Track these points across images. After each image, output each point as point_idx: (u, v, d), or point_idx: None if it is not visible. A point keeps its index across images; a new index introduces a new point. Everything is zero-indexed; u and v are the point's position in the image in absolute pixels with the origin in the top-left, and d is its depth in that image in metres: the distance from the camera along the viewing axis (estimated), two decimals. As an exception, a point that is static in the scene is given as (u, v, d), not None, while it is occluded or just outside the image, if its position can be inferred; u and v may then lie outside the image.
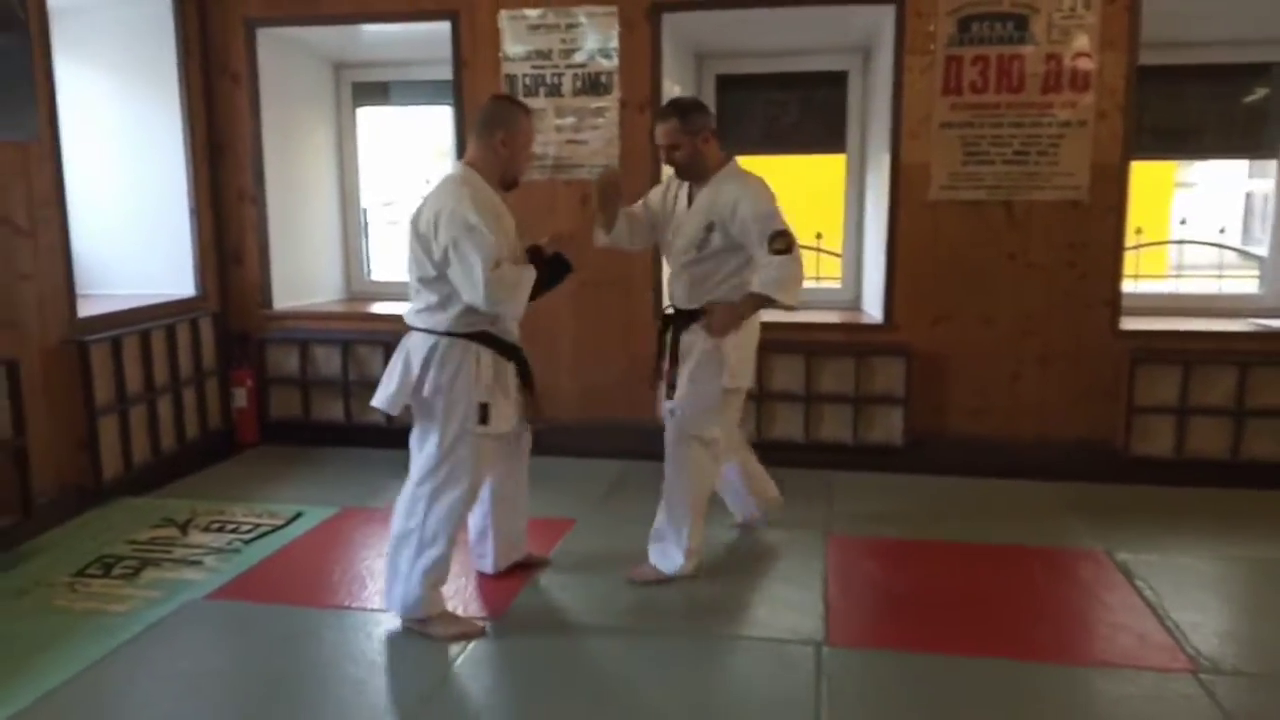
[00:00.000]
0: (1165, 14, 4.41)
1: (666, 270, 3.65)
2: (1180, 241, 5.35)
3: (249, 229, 5.26)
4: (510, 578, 3.51)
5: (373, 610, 3.28)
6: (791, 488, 4.49)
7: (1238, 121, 5.08)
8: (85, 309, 4.29)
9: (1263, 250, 5.15)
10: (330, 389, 5.28)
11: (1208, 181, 9.24)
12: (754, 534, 3.96)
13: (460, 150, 5.02)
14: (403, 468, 4.64)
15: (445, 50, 4.97)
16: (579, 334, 5.02)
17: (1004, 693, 2.78)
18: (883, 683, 2.84)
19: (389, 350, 5.04)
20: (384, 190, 6.42)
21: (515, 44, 4.86)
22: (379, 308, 5.52)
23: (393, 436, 4.99)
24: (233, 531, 3.98)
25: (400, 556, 3.07)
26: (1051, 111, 4.50)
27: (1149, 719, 2.64)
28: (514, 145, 3.05)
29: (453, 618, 3.14)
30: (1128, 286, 4.76)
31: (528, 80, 4.90)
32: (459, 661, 2.94)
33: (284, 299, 5.38)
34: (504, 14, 4.84)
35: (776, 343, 4.76)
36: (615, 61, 4.80)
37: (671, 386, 3.46)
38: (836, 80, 5.35)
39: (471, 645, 3.03)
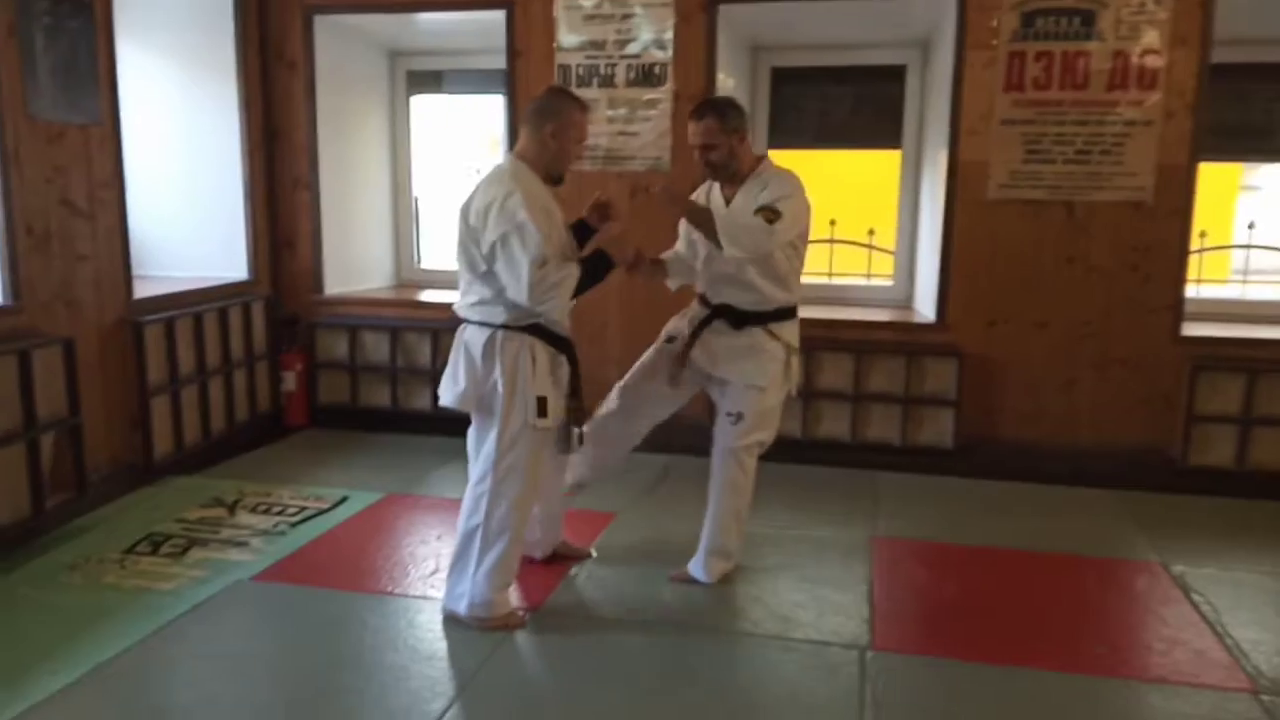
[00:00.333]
0: (1239, 9, 4.26)
1: None
2: (1247, 246, 5.18)
3: (302, 214, 5.30)
4: (550, 569, 3.49)
5: (414, 597, 3.29)
6: (836, 488, 4.48)
7: (1310, 124, 4.91)
8: (140, 290, 4.36)
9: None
10: (378, 375, 5.31)
11: (1273, 185, 8.97)
12: (798, 533, 3.90)
13: (512, 140, 5.02)
14: (448, 454, 4.72)
15: (499, 39, 4.96)
16: (626, 326, 4.99)
17: (1055, 706, 2.70)
18: (928, 691, 2.78)
19: (437, 338, 5.14)
20: (435, 178, 6.44)
21: (570, 34, 4.84)
22: (428, 295, 5.55)
23: (439, 423, 5.03)
24: (279, 514, 4.02)
25: (467, 556, 3.04)
26: (1117, 110, 4.38)
27: (1206, 739, 2.56)
28: (564, 138, 3.01)
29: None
30: (1190, 291, 4.62)
31: (581, 71, 4.87)
32: (498, 651, 2.93)
33: (335, 285, 5.42)
34: (559, 4, 4.82)
35: (825, 340, 4.72)
36: (669, 53, 4.76)
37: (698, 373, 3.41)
38: (894, 74, 5.25)
39: (510, 635, 3.02)
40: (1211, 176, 4.49)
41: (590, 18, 4.82)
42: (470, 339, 3.02)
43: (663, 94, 4.80)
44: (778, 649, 2.99)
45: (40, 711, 2.57)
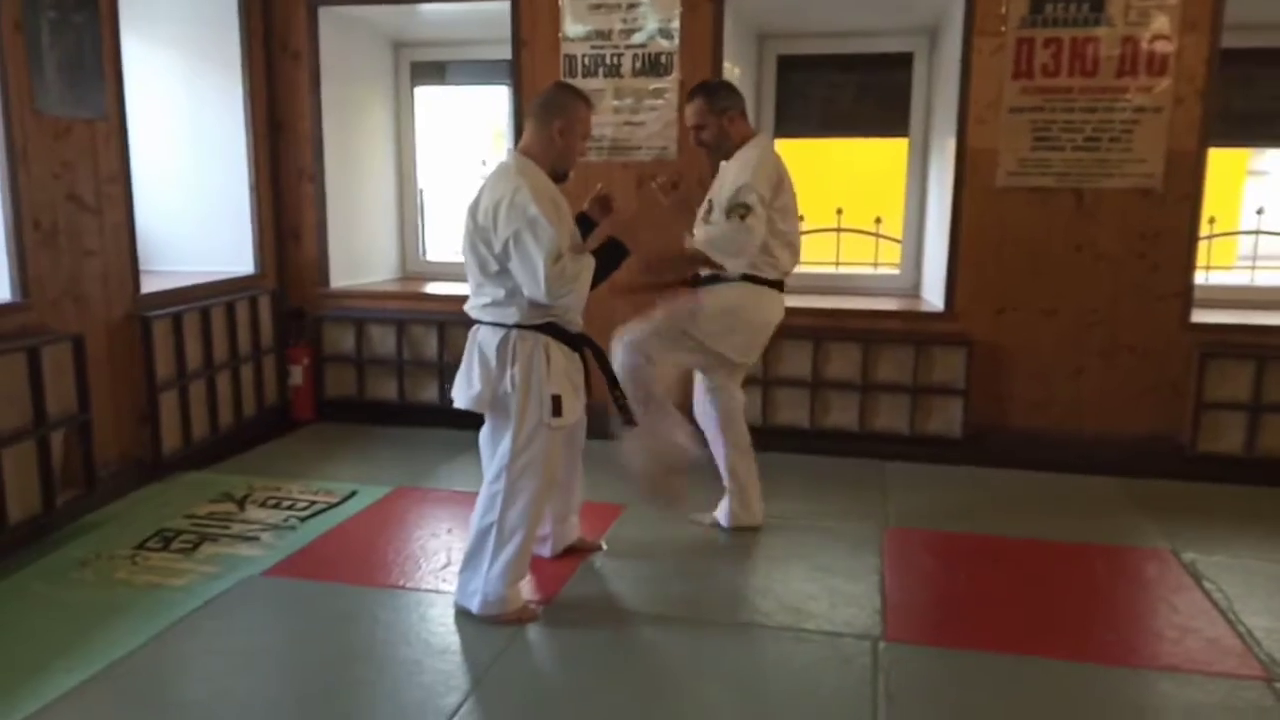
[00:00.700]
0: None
1: None
2: (1256, 232, 5.15)
3: (307, 207, 5.29)
4: (562, 562, 3.49)
5: (426, 590, 3.29)
6: (845, 478, 4.47)
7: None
8: (147, 285, 4.35)
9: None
10: (385, 368, 5.31)
11: (1279, 170, 8.93)
12: (807, 524, 3.90)
13: (517, 132, 5.01)
14: (456, 447, 4.73)
15: (504, 30, 4.94)
16: (634, 318, 4.97)
17: (1069, 695, 2.70)
18: (942, 681, 2.78)
19: (444, 330, 5.14)
20: (440, 170, 6.42)
21: (575, 23, 4.82)
22: (434, 288, 5.54)
23: (446, 416, 4.99)
24: (289, 508, 4.02)
25: (481, 553, 3.04)
26: (1126, 96, 4.36)
27: (1221, 728, 2.56)
28: (571, 135, 3.00)
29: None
30: (1198, 278, 4.60)
31: (587, 60, 4.85)
32: (512, 645, 2.93)
33: (340, 278, 5.41)
34: (564, -7, 4.80)
35: (832, 330, 4.72)
36: (676, 42, 4.74)
37: None
38: (901, 62, 5.23)
39: (524, 629, 3.02)
40: (1218, 161, 4.47)
41: (595, 7, 4.79)
42: (484, 340, 3.00)
43: (669, 83, 4.78)
44: (790, 640, 3.00)
45: (57, 709, 2.58)
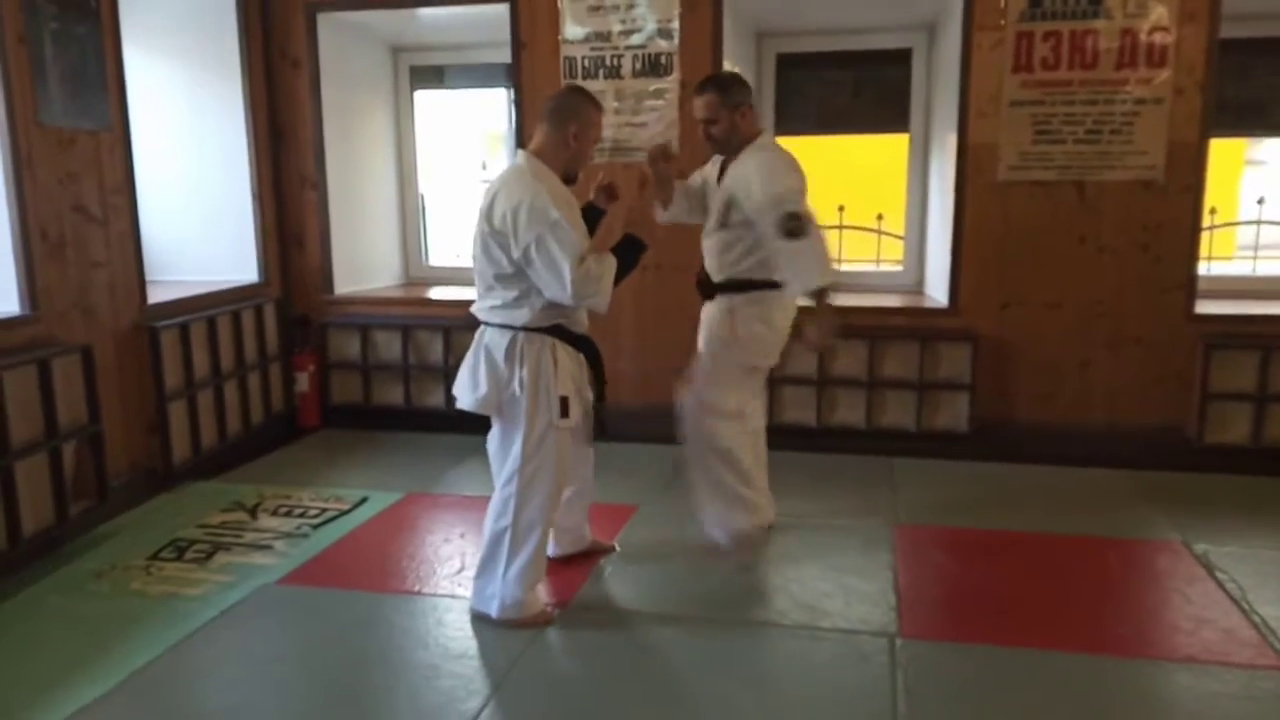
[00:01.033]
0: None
1: None
2: (1258, 222, 5.17)
3: (310, 214, 5.29)
4: (576, 564, 3.50)
5: (442, 596, 3.30)
6: (854, 475, 4.48)
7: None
8: (153, 295, 4.35)
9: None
10: (391, 373, 5.31)
11: (1277, 160, 8.96)
12: (818, 522, 3.90)
13: (519, 132, 5.02)
14: (464, 452, 4.73)
15: (502, 33, 4.95)
16: (639, 318, 4.99)
17: (1089, 688, 2.71)
18: (959, 676, 2.79)
19: (449, 335, 5.14)
20: (440, 174, 6.43)
21: (574, 25, 4.82)
22: (437, 292, 5.54)
23: (453, 421, 5.00)
24: (300, 516, 4.02)
25: (496, 558, 3.04)
26: (1126, 88, 4.37)
27: (1243, 719, 2.57)
28: (585, 139, 3.01)
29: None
30: (1200, 269, 4.62)
31: (587, 62, 4.86)
32: (530, 648, 2.94)
33: (344, 284, 5.42)
34: (563, -5, 4.80)
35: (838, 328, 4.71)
36: (675, 42, 4.74)
37: None
38: (899, 58, 5.24)
39: (541, 632, 3.03)
40: (1216, 152, 4.48)
41: (595, 9, 4.80)
42: (491, 342, 3.00)
43: (669, 84, 4.79)
44: (807, 638, 3.01)
45: (78, 721, 2.58)
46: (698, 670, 2.85)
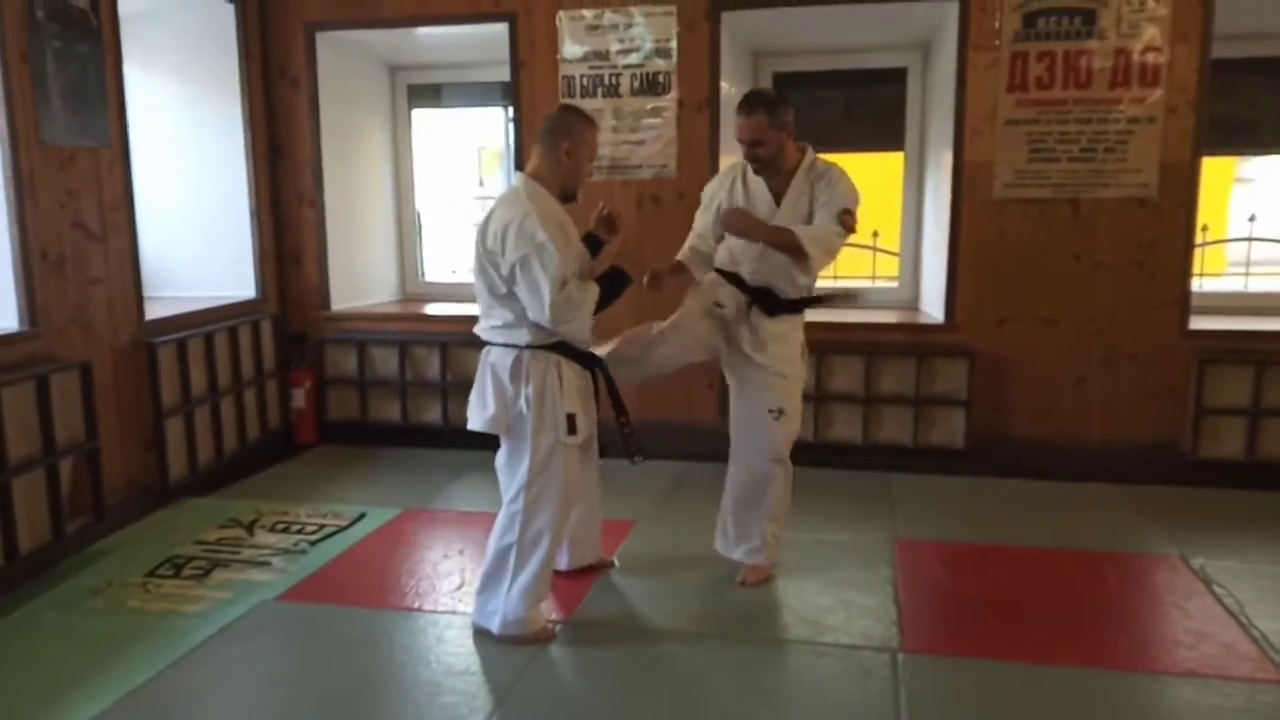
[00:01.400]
0: (1238, 4, 4.30)
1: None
2: (1249, 239, 5.22)
3: (308, 231, 5.30)
4: (577, 579, 3.50)
5: (443, 612, 3.29)
6: (851, 490, 4.49)
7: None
8: (150, 311, 4.34)
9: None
10: (388, 390, 5.31)
11: (1266, 177, 9.03)
12: (817, 537, 3.91)
13: (517, 151, 5.04)
14: (462, 467, 4.74)
15: (500, 52, 4.97)
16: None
17: (1090, 702, 2.72)
18: (962, 691, 2.79)
19: (446, 351, 5.15)
20: (436, 191, 6.45)
21: (573, 44, 4.86)
22: (433, 309, 5.55)
23: (450, 437, 5.04)
24: (298, 532, 4.01)
25: (500, 574, 3.04)
26: (1120, 107, 4.42)
27: (1242, 732, 2.58)
28: (578, 156, 3.02)
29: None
30: (1193, 285, 4.65)
31: (585, 81, 4.89)
32: (533, 664, 2.93)
33: (341, 300, 5.42)
34: (562, 15, 4.83)
35: (835, 343, 4.74)
36: (673, 61, 4.78)
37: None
38: (895, 77, 5.29)
39: (543, 649, 3.02)
40: (1206, 170, 4.53)
41: (593, 28, 4.83)
42: (496, 361, 3.01)
43: (667, 102, 4.82)
44: (810, 654, 3.01)
45: (78, 739, 2.57)
46: (701, 686, 2.84)
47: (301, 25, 5.09)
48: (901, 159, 5.35)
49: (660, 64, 4.80)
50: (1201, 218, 4.62)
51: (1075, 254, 4.56)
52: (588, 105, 4.80)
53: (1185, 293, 4.53)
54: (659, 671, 2.93)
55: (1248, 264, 5.25)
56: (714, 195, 3.54)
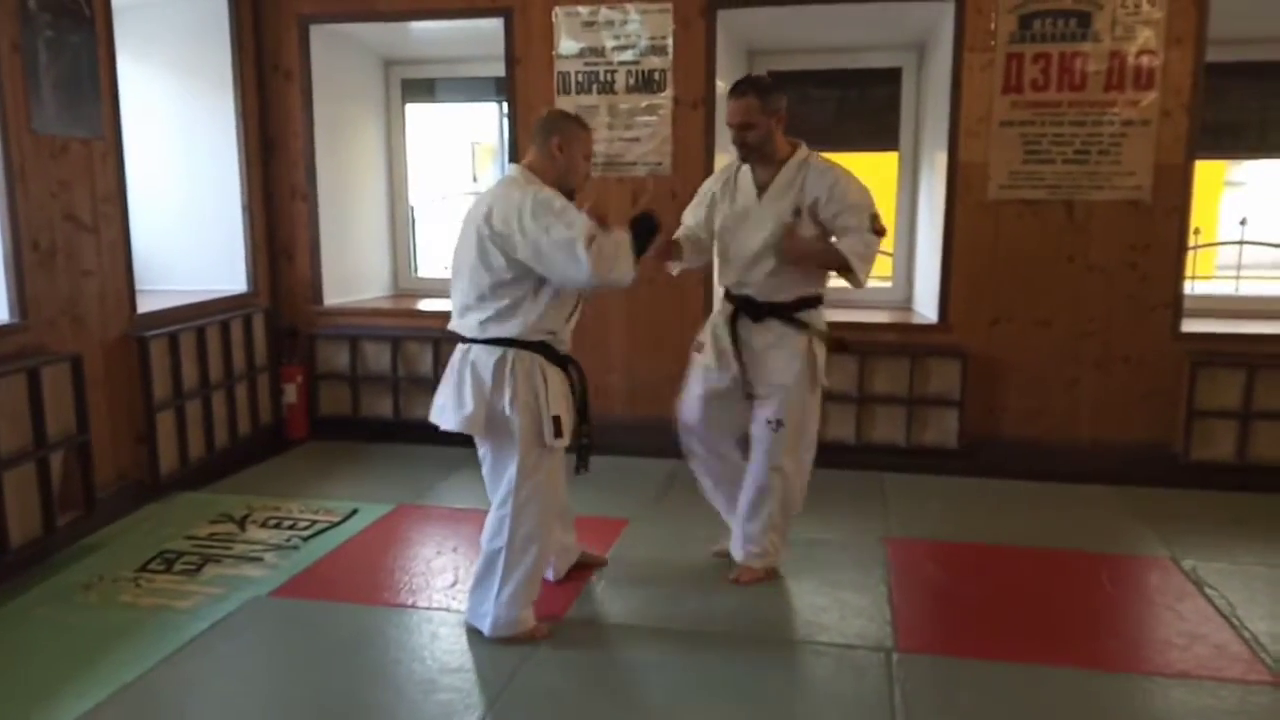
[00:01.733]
0: (1232, 8, 4.31)
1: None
2: (1240, 242, 5.25)
3: (300, 225, 5.27)
4: (569, 580, 3.48)
5: (437, 609, 3.28)
6: (844, 490, 4.49)
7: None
8: (141, 304, 4.31)
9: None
10: (379, 385, 5.29)
11: (1256, 181, 9.10)
12: (811, 536, 3.91)
13: (512, 146, 5.03)
14: (454, 464, 4.72)
15: (494, 47, 4.96)
16: (629, 331, 5.00)
17: (1083, 703, 2.73)
18: (957, 690, 2.80)
19: (438, 347, 5.12)
20: (429, 186, 6.43)
21: (569, 40, 4.84)
22: (426, 304, 5.53)
23: (441, 434, 4.98)
24: (290, 528, 3.99)
25: (490, 577, 3.01)
26: (1114, 110, 4.43)
27: (1235, 732, 2.59)
28: (570, 152, 2.99)
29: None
30: (1185, 288, 4.67)
31: (580, 77, 4.87)
32: (526, 663, 2.92)
33: (333, 295, 5.39)
34: (558, 11, 4.82)
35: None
36: (669, 58, 4.77)
37: (747, 382, 3.38)
38: (889, 77, 5.29)
39: (537, 647, 3.01)
40: (1197, 173, 4.55)
41: (589, 24, 4.82)
42: (478, 359, 2.93)
43: (662, 99, 4.81)
44: (804, 653, 3.01)
45: (69, 735, 2.55)
46: (695, 685, 2.84)
47: (295, 18, 5.06)
48: (896, 159, 5.36)
49: (656, 61, 4.80)
50: (1193, 221, 4.65)
51: (1069, 256, 4.57)
52: (583, 102, 4.81)
53: (1178, 295, 4.55)
54: (652, 671, 2.92)
55: (1238, 267, 5.28)
56: (708, 190, 3.52)
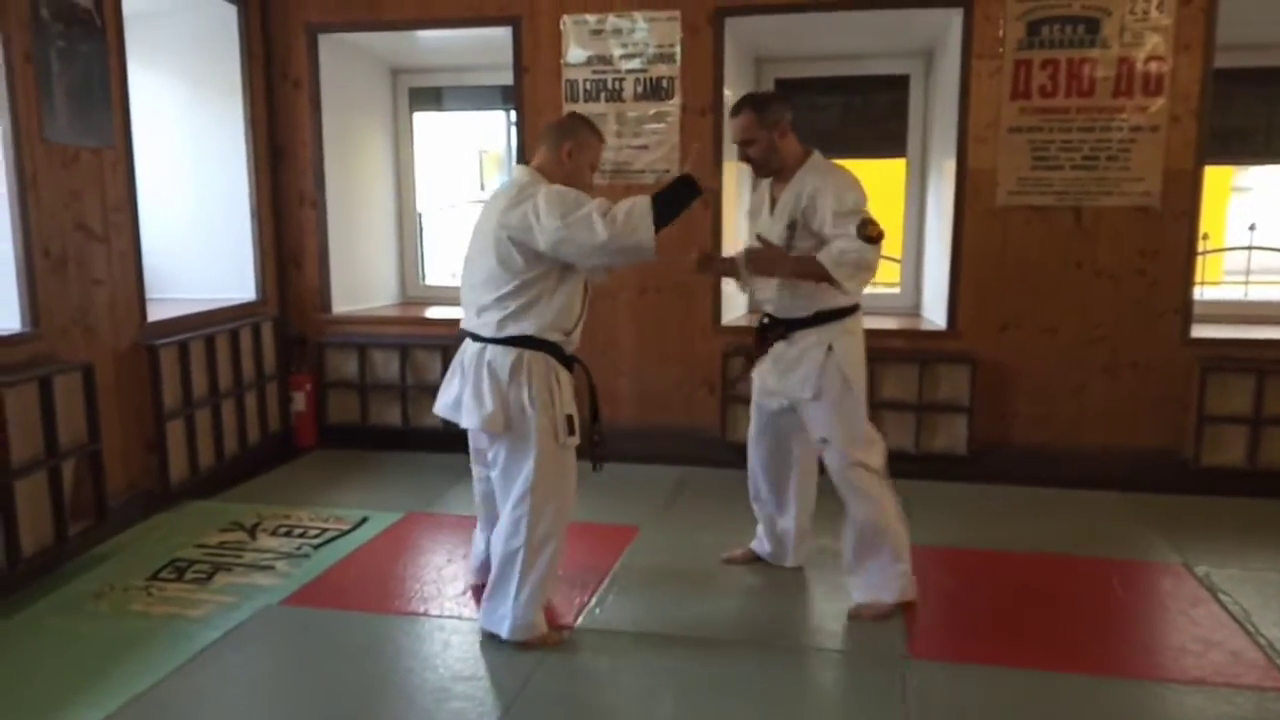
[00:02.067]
0: (1242, 14, 4.32)
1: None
2: (1249, 248, 5.24)
3: (309, 233, 5.29)
4: (581, 585, 3.48)
5: (449, 617, 3.27)
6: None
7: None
8: (151, 313, 4.32)
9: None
10: (388, 393, 5.29)
11: (1264, 186, 9.08)
12: (821, 543, 3.90)
13: (519, 154, 5.04)
14: (463, 471, 4.66)
15: (502, 55, 4.97)
16: (638, 339, 5.00)
17: (1098, 711, 2.72)
18: (970, 698, 2.78)
19: (446, 355, 5.12)
20: (437, 194, 6.43)
21: (577, 49, 4.85)
22: (434, 312, 5.54)
23: (450, 441, 4.98)
24: (300, 536, 3.99)
25: (508, 579, 3.00)
26: (1122, 116, 4.43)
27: (1252, 740, 2.58)
28: (580, 158, 3.00)
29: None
30: (1194, 293, 4.66)
31: (588, 85, 4.88)
32: (539, 669, 2.91)
33: (341, 303, 5.40)
34: (566, 19, 4.83)
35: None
36: (676, 66, 4.78)
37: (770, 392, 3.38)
38: (897, 84, 5.30)
39: (550, 654, 3.01)
40: (1205, 179, 4.54)
41: (596, 32, 4.83)
42: (495, 359, 2.94)
43: (670, 107, 4.82)
44: (816, 660, 3.01)
45: (83, 744, 2.55)
46: (707, 692, 2.83)
47: (303, 27, 5.08)
48: (904, 165, 5.36)
49: (663, 69, 4.81)
50: (1201, 226, 4.64)
51: (1077, 262, 4.57)
52: (591, 110, 4.81)
53: (1187, 301, 4.54)
54: (665, 678, 2.91)
55: (1247, 273, 5.27)
56: (753, 201, 3.54)
